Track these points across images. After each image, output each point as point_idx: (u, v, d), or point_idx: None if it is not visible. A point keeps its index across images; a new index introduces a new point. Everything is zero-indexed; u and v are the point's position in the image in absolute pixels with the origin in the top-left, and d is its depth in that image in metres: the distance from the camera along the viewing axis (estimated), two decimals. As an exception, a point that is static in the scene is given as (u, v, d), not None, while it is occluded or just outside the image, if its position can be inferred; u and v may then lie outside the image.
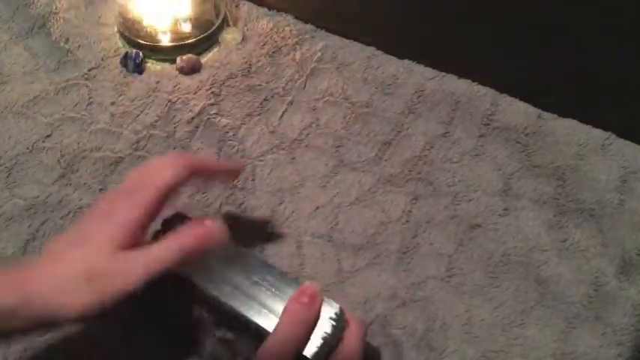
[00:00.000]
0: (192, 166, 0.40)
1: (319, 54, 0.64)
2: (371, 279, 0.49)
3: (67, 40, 0.64)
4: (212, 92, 0.60)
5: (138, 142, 0.56)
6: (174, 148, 0.56)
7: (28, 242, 0.50)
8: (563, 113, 0.59)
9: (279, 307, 0.38)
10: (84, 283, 0.33)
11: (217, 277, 0.40)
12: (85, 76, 0.61)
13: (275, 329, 0.36)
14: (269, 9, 0.67)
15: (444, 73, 0.62)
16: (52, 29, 0.65)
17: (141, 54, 0.62)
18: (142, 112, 0.59)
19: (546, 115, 0.59)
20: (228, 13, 0.66)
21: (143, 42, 0.62)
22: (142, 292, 0.35)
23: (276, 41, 0.65)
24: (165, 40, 0.63)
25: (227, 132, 0.58)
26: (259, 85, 0.61)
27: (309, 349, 0.37)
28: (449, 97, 0.60)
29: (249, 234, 0.51)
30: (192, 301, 0.41)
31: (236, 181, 0.54)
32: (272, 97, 0.60)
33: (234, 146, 0.57)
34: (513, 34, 0.64)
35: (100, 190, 0.53)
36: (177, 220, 0.44)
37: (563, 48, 0.63)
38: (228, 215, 0.52)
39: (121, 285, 0.34)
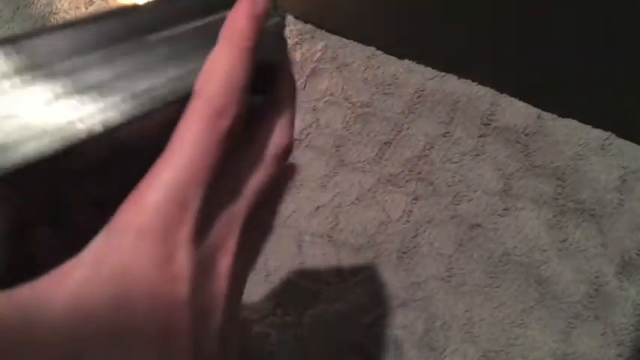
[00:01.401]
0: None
1: (319, 54, 0.64)
2: (371, 279, 0.49)
3: (67, 40, 0.64)
4: (212, 92, 0.60)
5: (138, 142, 0.56)
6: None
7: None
8: (563, 113, 0.59)
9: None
10: None
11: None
12: (85, 76, 0.61)
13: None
14: (269, 9, 0.67)
15: (443, 73, 0.62)
16: (52, 29, 0.65)
17: (141, 54, 0.61)
18: (142, 112, 0.59)
19: (546, 115, 0.59)
20: (228, 13, 0.66)
21: (143, 42, 0.62)
22: None
23: (276, 41, 0.65)
24: (166, 40, 0.63)
25: (227, 132, 0.58)
26: (259, 85, 0.61)
27: None
28: (449, 97, 0.61)
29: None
30: None
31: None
32: (272, 97, 0.60)
33: (234, 146, 0.57)
34: (513, 34, 0.64)
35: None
36: None
37: (563, 48, 0.63)
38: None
39: None
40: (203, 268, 0.19)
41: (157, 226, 0.18)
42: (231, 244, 0.20)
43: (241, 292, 0.23)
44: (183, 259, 0.18)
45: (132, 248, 0.17)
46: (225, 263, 0.20)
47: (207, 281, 0.19)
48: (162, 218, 0.18)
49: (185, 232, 0.18)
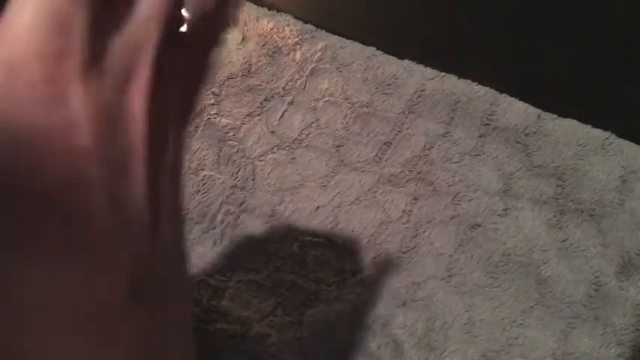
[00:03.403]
0: None
1: (319, 54, 0.64)
2: (371, 279, 0.49)
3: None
4: (212, 92, 0.60)
5: (138, 142, 0.56)
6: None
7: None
8: (563, 113, 0.59)
9: None
10: None
11: None
12: (85, 76, 0.61)
13: None
14: (269, 9, 0.67)
15: (443, 73, 0.62)
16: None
17: (141, 54, 0.61)
18: (142, 112, 0.59)
19: (546, 115, 0.59)
20: (228, 13, 0.66)
21: (143, 42, 0.62)
22: None
23: (276, 41, 0.65)
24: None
25: (227, 132, 0.58)
26: (259, 85, 0.61)
27: None
28: (449, 97, 0.61)
29: (250, 234, 0.51)
30: None
31: (236, 180, 0.54)
32: (272, 97, 0.60)
33: (234, 146, 0.57)
34: (513, 34, 0.65)
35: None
36: None
37: (563, 48, 0.63)
38: (229, 215, 0.52)
39: None
40: (108, 110, 0.15)
41: (32, 58, 0.14)
42: (142, 79, 0.16)
43: (178, 143, 0.19)
44: (76, 100, 0.14)
45: (4, 90, 0.14)
46: (138, 102, 0.16)
47: (117, 125, 0.15)
48: (39, 46, 0.14)
49: (72, 63, 0.14)
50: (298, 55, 0.64)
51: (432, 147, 0.57)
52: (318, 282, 0.49)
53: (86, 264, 0.14)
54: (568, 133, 0.58)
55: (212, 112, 0.59)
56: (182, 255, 0.19)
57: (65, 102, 0.14)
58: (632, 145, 0.57)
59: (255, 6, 0.67)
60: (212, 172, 0.55)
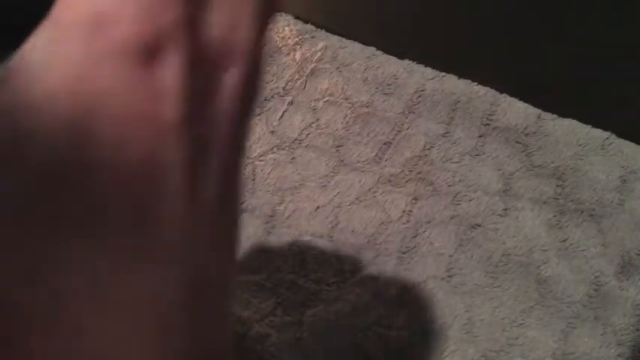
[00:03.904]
0: None
1: (319, 54, 0.64)
2: (371, 279, 0.49)
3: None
4: (212, 92, 0.60)
5: (138, 142, 0.56)
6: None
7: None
8: (563, 113, 0.59)
9: None
10: None
11: None
12: (85, 76, 0.61)
13: None
14: (269, 9, 0.67)
15: (444, 73, 0.62)
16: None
17: (141, 54, 0.61)
18: (142, 112, 0.59)
19: (546, 115, 0.59)
20: (228, 13, 0.66)
21: (143, 42, 0.62)
22: None
23: (276, 41, 0.65)
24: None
25: (227, 132, 0.58)
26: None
27: None
28: (449, 97, 0.61)
29: (249, 234, 0.51)
30: None
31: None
32: (272, 97, 0.60)
33: (234, 146, 0.57)
34: (513, 34, 0.64)
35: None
36: None
37: (563, 48, 0.63)
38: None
39: None
40: (199, 84, 0.13)
41: (123, 15, 0.12)
42: (242, 55, 0.14)
43: (243, 143, 0.16)
44: (168, 68, 0.13)
45: (85, 50, 0.12)
46: (232, 81, 0.14)
47: (206, 104, 0.14)
48: (133, 4, 0.12)
49: (168, 26, 0.12)
50: (298, 55, 0.64)
51: (432, 147, 0.57)
52: (318, 282, 0.49)
53: (154, 254, 0.13)
54: (568, 133, 0.58)
55: (212, 112, 0.59)
56: (234, 251, 0.18)
57: (155, 69, 0.12)
58: (632, 145, 0.57)
59: (255, 6, 0.67)
60: (212, 172, 0.55)
